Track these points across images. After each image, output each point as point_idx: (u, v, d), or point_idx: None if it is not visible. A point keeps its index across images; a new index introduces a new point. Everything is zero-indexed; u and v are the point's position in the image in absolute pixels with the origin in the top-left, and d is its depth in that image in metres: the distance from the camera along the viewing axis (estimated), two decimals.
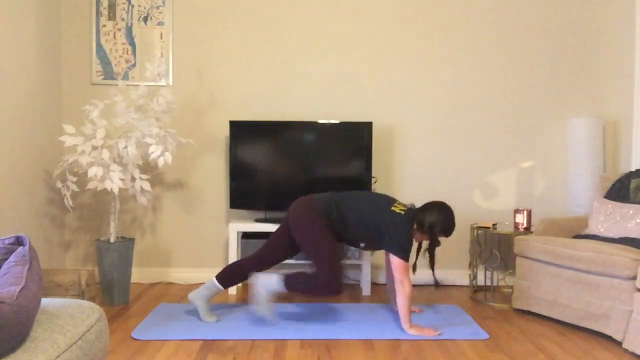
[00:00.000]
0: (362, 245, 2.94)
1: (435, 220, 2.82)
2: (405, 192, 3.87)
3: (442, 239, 2.96)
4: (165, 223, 3.84)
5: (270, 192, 3.60)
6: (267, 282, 2.80)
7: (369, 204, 2.88)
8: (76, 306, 1.55)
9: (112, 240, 3.28)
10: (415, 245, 2.93)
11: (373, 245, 2.93)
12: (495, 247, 3.63)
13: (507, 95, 3.87)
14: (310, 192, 3.56)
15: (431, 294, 3.61)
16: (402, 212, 2.82)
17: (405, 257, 2.78)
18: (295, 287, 2.80)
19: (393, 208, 2.84)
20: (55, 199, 3.64)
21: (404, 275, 2.77)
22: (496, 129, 3.88)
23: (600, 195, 3.38)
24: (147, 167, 3.75)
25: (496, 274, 3.79)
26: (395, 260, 2.78)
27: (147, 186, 3.29)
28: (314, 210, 2.84)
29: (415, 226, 2.85)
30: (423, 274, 3.85)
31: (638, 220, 2.99)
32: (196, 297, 2.93)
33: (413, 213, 2.86)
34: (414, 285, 3.59)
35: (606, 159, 3.84)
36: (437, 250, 3.71)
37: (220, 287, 2.94)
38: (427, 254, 2.98)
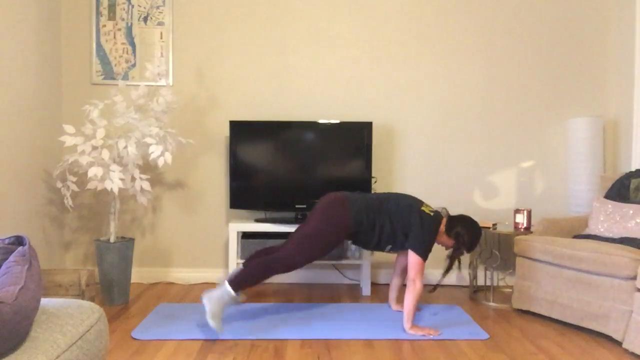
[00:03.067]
0: (389, 247, 2.94)
1: (465, 230, 2.87)
2: (405, 192, 3.86)
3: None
4: (165, 223, 3.84)
5: (270, 192, 3.60)
6: (218, 293, 2.66)
7: (402, 208, 2.87)
8: (76, 306, 1.55)
9: (112, 240, 3.28)
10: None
11: (400, 246, 2.91)
12: (495, 247, 3.63)
13: (507, 95, 3.87)
14: (309, 192, 3.59)
15: (431, 294, 3.60)
16: (432, 214, 2.87)
17: (424, 255, 2.81)
18: (246, 281, 2.71)
19: (423, 208, 2.88)
20: (55, 199, 3.64)
21: (418, 274, 2.79)
22: (496, 129, 3.88)
23: (600, 195, 3.38)
24: (147, 167, 3.75)
25: (496, 274, 3.79)
26: (413, 258, 2.79)
27: (147, 186, 3.29)
28: (346, 217, 2.82)
29: (443, 228, 2.90)
30: (424, 275, 3.85)
31: (638, 220, 2.99)
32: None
33: (441, 217, 2.91)
34: None
35: (606, 159, 3.84)
36: (437, 250, 3.70)
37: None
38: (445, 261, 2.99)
